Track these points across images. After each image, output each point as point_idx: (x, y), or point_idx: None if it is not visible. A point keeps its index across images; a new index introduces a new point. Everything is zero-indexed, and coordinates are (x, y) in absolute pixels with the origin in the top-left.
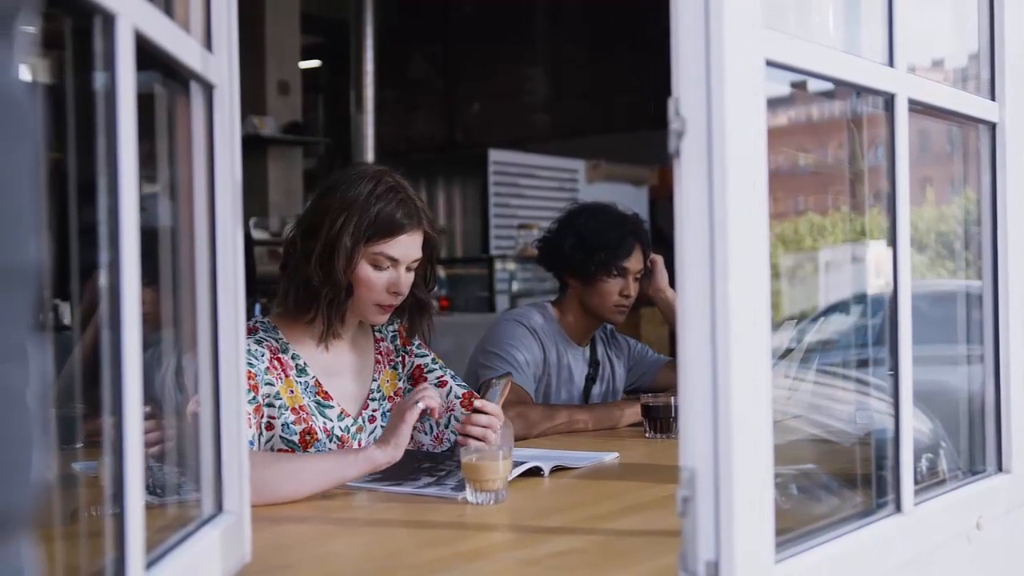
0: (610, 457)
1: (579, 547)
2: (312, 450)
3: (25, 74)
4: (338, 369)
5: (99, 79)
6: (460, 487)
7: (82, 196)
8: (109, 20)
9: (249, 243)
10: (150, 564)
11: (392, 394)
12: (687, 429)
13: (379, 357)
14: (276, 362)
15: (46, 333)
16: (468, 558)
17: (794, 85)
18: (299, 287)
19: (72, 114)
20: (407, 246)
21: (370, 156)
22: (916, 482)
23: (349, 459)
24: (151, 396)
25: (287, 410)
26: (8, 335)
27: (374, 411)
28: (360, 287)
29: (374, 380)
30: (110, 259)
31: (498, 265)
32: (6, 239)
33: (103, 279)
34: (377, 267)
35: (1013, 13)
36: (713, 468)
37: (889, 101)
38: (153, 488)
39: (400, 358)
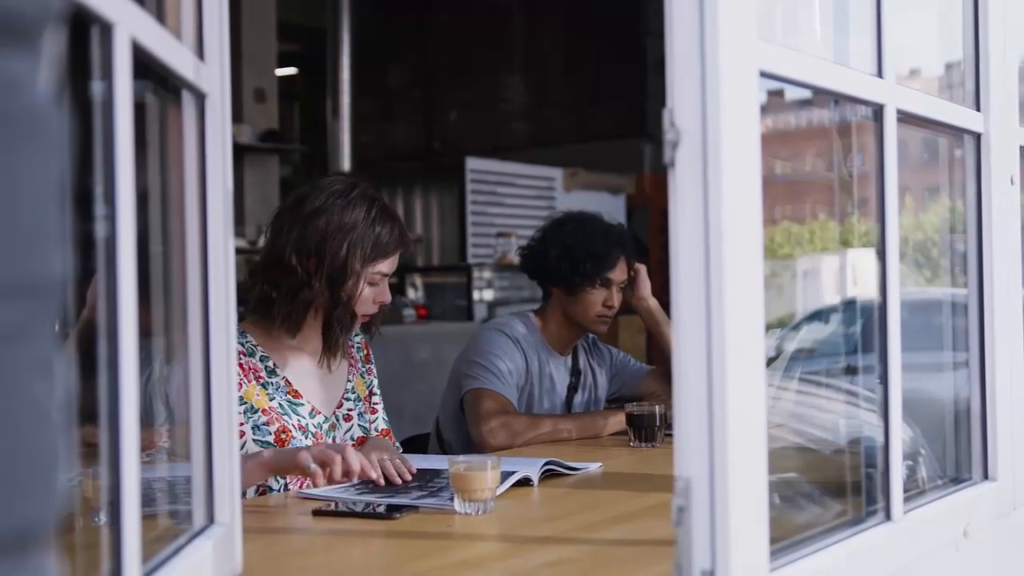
0: (594, 467)
1: (571, 557)
2: (290, 447)
3: (51, 87)
4: (310, 371)
5: (95, 88)
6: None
7: (75, 205)
8: (107, 29)
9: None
10: None
11: (363, 397)
12: (682, 438)
13: (352, 360)
14: (238, 367)
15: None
16: (459, 569)
17: (771, 93)
18: (300, 308)
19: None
20: (395, 261)
21: (347, 164)
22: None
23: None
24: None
25: (256, 412)
26: (35, 349)
27: (349, 410)
28: (355, 304)
29: (348, 381)
30: (107, 268)
31: (476, 273)
32: (35, 253)
33: (100, 288)
34: (371, 284)
35: (998, 25)
36: (708, 477)
37: (878, 111)
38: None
39: (366, 368)
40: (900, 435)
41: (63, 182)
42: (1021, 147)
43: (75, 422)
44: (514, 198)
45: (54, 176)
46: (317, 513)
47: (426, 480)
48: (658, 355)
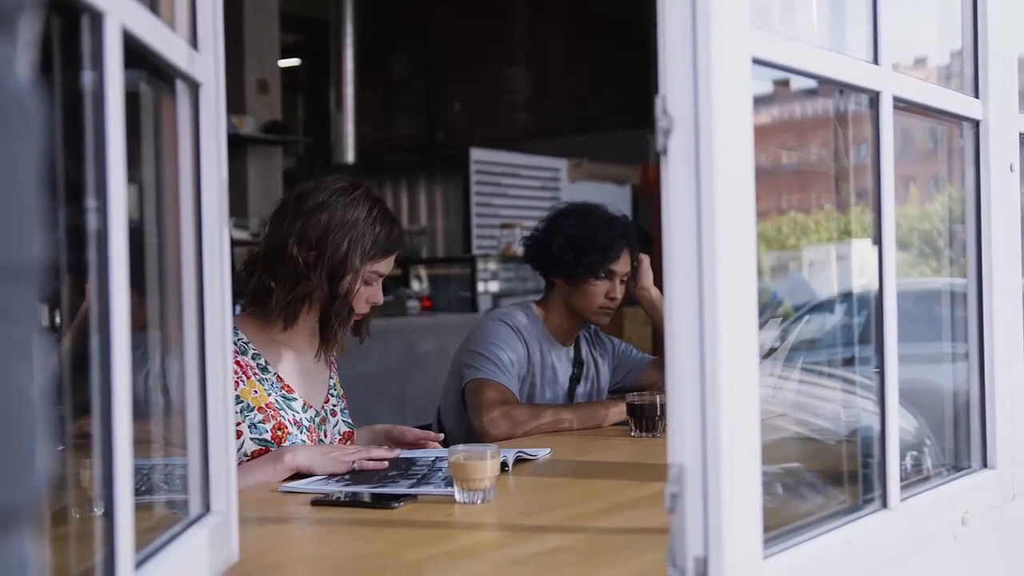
0: (543, 453)
1: (567, 545)
2: (287, 443)
3: (28, 72)
4: (298, 366)
5: (86, 77)
6: (451, 483)
7: (66, 196)
8: (97, 18)
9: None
10: (139, 564)
11: (341, 396)
12: (676, 426)
13: (332, 359)
14: (235, 365)
15: (47, 330)
16: (457, 557)
17: (776, 83)
18: (298, 300)
19: (57, 113)
20: (392, 262)
21: (350, 156)
22: (901, 479)
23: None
24: (135, 397)
25: (252, 411)
26: (13, 332)
27: (334, 406)
28: (352, 299)
29: (331, 378)
30: (99, 260)
31: (480, 265)
32: (13, 236)
33: (92, 281)
34: (367, 283)
35: (997, 11)
36: (702, 464)
37: (874, 99)
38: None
39: (336, 367)
40: (897, 423)
41: (42, 167)
42: (1021, 134)
43: (71, 413)
44: (518, 189)
45: (33, 160)
46: (315, 503)
47: (404, 469)
48: (662, 346)
